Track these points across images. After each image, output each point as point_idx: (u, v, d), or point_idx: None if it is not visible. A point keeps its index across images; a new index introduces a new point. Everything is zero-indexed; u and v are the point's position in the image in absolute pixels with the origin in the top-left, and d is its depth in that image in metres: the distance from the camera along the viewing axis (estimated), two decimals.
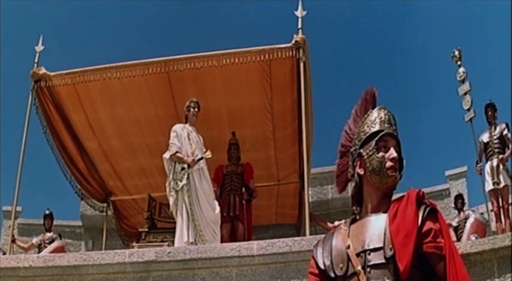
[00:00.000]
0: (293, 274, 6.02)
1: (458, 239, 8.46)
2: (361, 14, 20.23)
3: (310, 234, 7.15)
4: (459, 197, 9.31)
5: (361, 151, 2.34)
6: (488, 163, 8.63)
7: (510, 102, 11.69)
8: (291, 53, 7.98)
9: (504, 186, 8.46)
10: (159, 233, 8.47)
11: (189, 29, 20.25)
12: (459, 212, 9.12)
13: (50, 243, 9.35)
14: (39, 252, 9.04)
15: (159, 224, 8.88)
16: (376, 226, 2.21)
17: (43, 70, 8.60)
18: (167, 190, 7.36)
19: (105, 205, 10.30)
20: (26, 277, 6.47)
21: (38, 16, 19.36)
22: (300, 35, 8.05)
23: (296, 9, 8.24)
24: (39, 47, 8.79)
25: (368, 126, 2.36)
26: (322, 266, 2.28)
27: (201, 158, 7.47)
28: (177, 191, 7.24)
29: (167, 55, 8.51)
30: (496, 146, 8.61)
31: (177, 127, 7.66)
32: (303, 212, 8.69)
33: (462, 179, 11.68)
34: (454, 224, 8.88)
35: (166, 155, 7.44)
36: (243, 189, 8.62)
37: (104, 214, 10.34)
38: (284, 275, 6.05)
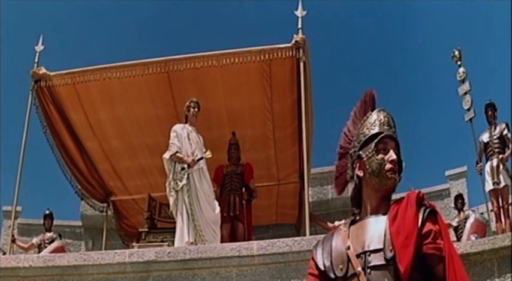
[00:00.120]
0: (293, 274, 6.02)
1: (458, 239, 8.46)
2: (361, 14, 20.26)
3: (310, 234, 7.15)
4: (459, 197, 9.31)
5: (361, 152, 2.34)
6: (488, 162, 8.63)
7: (510, 102, 11.67)
8: (291, 53, 7.98)
9: (504, 186, 8.46)
10: (159, 233, 8.47)
11: (189, 29, 20.27)
12: (459, 212, 9.12)
13: (50, 243, 9.34)
14: (39, 252, 9.04)
15: (159, 224, 8.88)
16: (376, 228, 2.21)
17: (43, 70, 8.60)
18: (167, 190, 7.35)
19: (105, 205, 10.29)
20: (26, 277, 6.46)
21: (38, 16, 19.39)
22: (300, 35, 8.05)
23: (296, 9, 8.24)
24: (39, 47, 8.79)
25: (367, 129, 2.36)
26: (322, 267, 2.28)
27: (201, 158, 7.46)
28: (177, 191, 7.23)
29: (167, 55, 8.51)
30: (496, 146, 8.60)
31: (177, 127, 7.66)
32: (303, 212, 8.69)
33: (462, 179, 11.68)
34: (454, 224, 8.88)
35: (166, 155, 7.43)
36: (243, 189, 8.62)
37: (104, 214, 10.33)
38: (284, 275, 6.05)
